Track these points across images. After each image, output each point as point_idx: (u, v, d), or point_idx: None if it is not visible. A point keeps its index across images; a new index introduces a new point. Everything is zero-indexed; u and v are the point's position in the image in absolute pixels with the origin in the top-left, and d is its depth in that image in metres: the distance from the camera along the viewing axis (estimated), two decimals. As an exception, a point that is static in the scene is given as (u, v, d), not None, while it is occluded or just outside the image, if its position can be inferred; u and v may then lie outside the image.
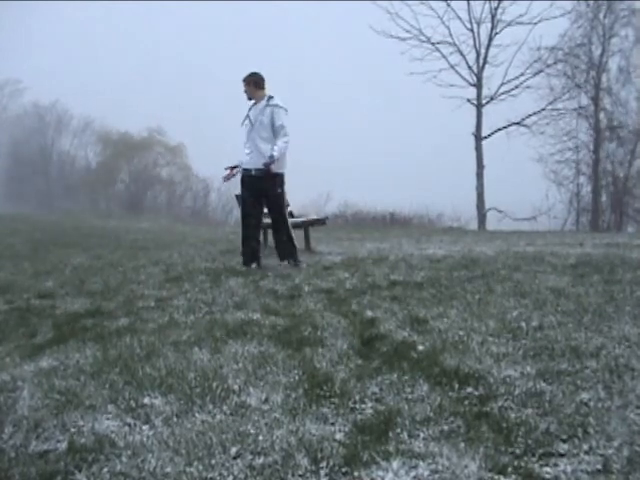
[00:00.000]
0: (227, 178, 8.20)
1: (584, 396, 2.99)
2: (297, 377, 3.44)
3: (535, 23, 25.07)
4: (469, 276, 6.53)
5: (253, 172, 7.61)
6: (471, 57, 26.50)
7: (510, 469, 2.35)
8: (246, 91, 7.82)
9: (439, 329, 4.36)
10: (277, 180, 7.66)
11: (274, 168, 7.41)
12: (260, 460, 2.51)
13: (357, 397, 3.11)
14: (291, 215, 9.48)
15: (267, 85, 7.82)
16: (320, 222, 10.70)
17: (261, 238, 11.71)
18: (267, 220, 10.66)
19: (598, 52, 29.16)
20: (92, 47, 65.14)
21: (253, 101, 7.80)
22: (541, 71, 26.32)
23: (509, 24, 25.77)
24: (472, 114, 26.32)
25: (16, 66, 53.47)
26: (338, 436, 2.70)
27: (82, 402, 3.16)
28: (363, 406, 3.02)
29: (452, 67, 26.21)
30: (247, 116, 7.78)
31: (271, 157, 7.26)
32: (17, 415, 3.02)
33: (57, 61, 58.98)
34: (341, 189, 28.71)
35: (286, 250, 7.93)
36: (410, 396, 3.11)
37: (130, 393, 3.27)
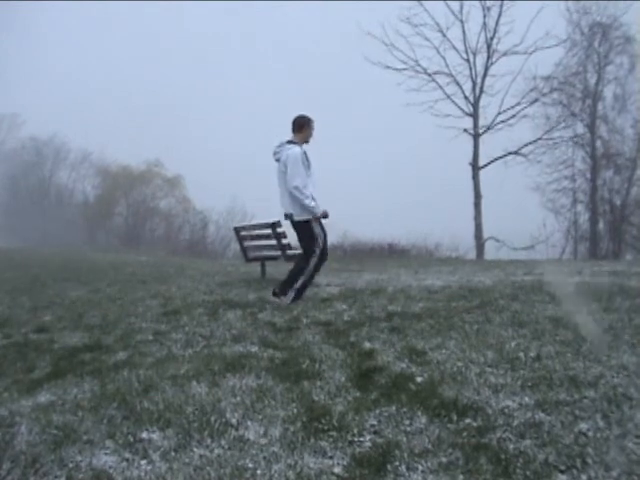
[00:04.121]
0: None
1: (583, 426, 2.98)
2: (295, 410, 3.43)
3: (530, 53, 25.45)
4: (467, 306, 6.52)
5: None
6: (467, 87, 26.86)
7: (509, 501, 2.35)
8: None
9: (437, 360, 4.35)
10: None
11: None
12: (258, 495, 2.51)
13: (355, 430, 3.10)
14: (289, 247, 9.50)
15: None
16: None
17: (259, 270, 11.77)
18: (265, 252, 10.73)
19: (593, 80, 29.50)
20: (89, 80, 65.64)
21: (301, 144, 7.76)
22: (537, 100, 26.58)
23: (505, 54, 26.13)
24: (469, 144, 26.50)
25: (14, 100, 53.88)
26: (336, 469, 2.69)
27: (80, 437, 3.15)
28: (361, 439, 3.01)
29: (449, 97, 26.55)
30: (308, 159, 7.67)
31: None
32: (15, 451, 3.00)
33: (55, 95, 59.44)
34: (340, 219, 28.74)
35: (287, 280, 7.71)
36: (408, 428, 3.10)
37: (128, 428, 3.26)
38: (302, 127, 7.80)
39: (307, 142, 7.81)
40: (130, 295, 9.25)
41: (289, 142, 7.68)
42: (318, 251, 7.54)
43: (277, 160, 7.70)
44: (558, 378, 3.77)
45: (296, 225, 7.64)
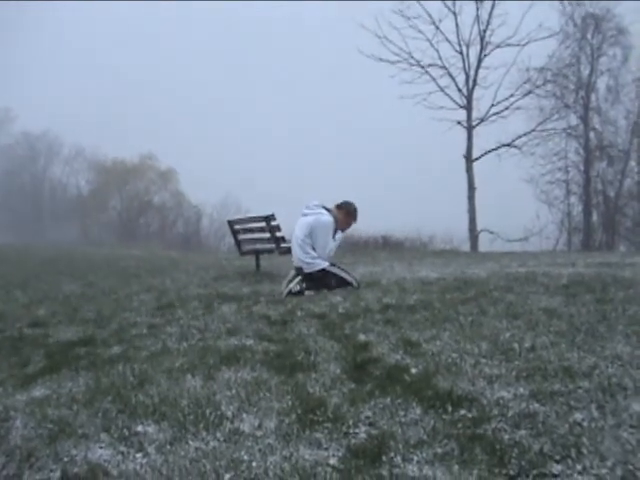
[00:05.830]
0: None
1: (577, 416, 2.98)
2: (290, 402, 3.42)
3: (524, 45, 25.42)
4: (462, 298, 6.52)
5: None
6: (460, 79, 26.85)
7: (504, 491, 2.35)
8: None
9: (432, 352, 4.35)
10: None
11: None
12: (254, 487, 2.50)
13: (350, 421, 3.10)
14: (283, 240, 9.50)
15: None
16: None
17: (254, 263, 11.77)
18: (259, 246, 10.73)
19: (587, 72, 29.62)
20: (81, 75, 65.45)
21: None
22: (530, 92, 26.61)
23: (498, 46, 26.13)
24: (463, 136, 26.49)
25: (6, 95, 53.68)
26: (332, 461, 2.69)
27: (75, 431, 3.14)
28: (357, 430, 3.01)
29: (442, 89, 26.50)
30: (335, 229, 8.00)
31: None
32: (10, 445, 2.99)
33: (47, 90, 59.24)
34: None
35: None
36: (403, 419, 3.10)
37: (123, 421, 3.25)
38: (349, 214, 8.10)
39: (342, 230, 8.10)
40: (124, 289, 9.24)
41: (324, 207, 7.81)
42: (355, 282, 7.92)
43: (304, 215, 7.83)
44: (553, 369, 3.77)
45: (313, 276, 7.85)
